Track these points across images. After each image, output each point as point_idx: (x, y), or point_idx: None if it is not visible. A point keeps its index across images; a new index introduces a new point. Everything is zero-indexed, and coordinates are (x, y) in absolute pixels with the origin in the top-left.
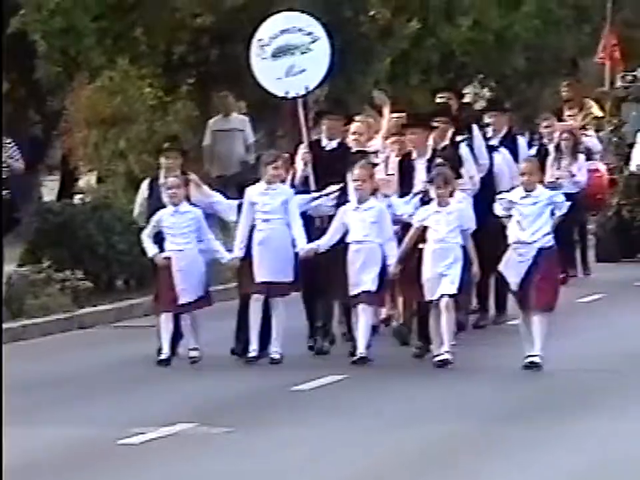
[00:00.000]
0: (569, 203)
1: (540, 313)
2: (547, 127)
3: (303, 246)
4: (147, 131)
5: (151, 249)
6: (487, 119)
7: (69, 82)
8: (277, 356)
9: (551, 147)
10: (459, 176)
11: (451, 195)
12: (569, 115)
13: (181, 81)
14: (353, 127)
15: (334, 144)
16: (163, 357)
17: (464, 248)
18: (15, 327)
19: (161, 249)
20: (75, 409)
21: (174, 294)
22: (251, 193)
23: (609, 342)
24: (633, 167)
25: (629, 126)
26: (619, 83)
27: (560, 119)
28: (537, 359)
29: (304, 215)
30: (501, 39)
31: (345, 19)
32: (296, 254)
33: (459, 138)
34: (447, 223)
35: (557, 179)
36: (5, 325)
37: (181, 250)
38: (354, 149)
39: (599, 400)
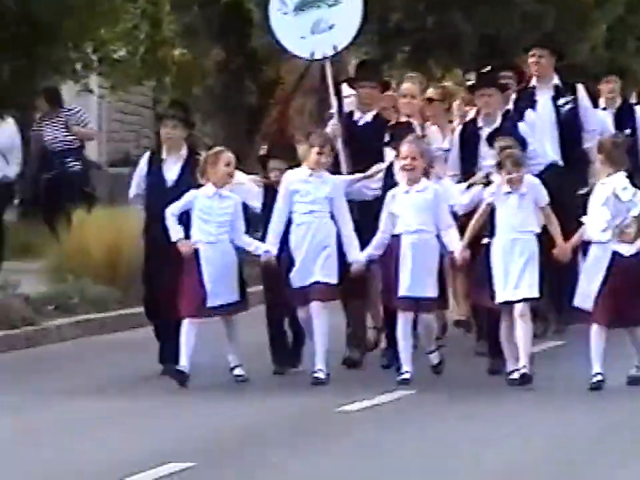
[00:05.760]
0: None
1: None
2: None
3: (356, 258)
4: None
5: (176, 231)
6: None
7: (285, 51)
8: (321, 375)
9: None
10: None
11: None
12: None
13: (396, 49)
14: (404, 87)
15: (369, 117)
16: (181, 369)
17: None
18: None
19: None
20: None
21: (201, 295)
22: (291, 178)
23: None
24: None
25: None
26: None
27: None
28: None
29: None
30: None
31: None
32: (343, 254)
33: (561, 101)
34: (520, 208)
35: None
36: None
37: (212, 242)
38: (402, 117)
39: None
